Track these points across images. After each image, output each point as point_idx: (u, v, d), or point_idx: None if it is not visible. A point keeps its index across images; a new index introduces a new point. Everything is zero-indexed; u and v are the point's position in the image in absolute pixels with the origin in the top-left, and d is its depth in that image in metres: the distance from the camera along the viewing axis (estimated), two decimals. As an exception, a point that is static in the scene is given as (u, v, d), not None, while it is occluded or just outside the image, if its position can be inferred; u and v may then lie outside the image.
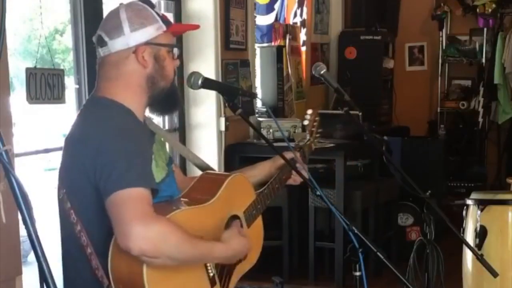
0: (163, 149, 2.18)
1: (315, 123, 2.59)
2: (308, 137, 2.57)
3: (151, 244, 1.77)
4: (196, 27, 2.30)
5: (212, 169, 2.37)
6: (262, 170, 2.44)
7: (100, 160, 1.87)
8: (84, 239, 1.94)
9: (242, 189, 2.26)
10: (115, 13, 2.04)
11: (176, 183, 2.19)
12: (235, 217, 2.20)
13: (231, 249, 2.03)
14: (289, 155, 2.33)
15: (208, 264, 2.06)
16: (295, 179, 2.43)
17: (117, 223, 1.80)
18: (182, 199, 2.12)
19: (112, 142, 1.90)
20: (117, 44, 2.00)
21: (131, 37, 2.00)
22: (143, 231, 1.76)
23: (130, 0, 2.09)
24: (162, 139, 2.23)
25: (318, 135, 2.61)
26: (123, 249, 1.79)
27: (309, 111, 2.58)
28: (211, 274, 2.07)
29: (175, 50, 2.11)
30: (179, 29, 2.24)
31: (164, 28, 2.03)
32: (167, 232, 1.81)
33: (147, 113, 2.15)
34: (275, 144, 2.26)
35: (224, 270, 2.15)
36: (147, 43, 2.01)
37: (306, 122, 2.58)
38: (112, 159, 1.87)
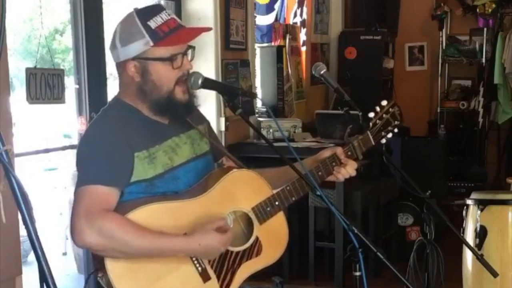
0: (193, 142, 2.22)
1: (384, 115, 2.37)
2: (370, 129, 2.37)
3: (92, 238, 1.92)
4: (199, 31, 2.15)
5: (242, 166, 2.29)
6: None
7: (76, 162, 2.09)
8: None
9: (249, 185, 2.20)
10: (116, 25, 2.11)
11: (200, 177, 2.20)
12: (242, 213, 2.19)
13: (195, 243, 2.02)
14: (330, 151, 2.33)
15: (193, 258, 2.08)
16: (337, 176, 2.32)
17: (70, 217, 1.97)
18: (177, 194, 2.13)
19: (84, 145, 2.11)
20: (113, 56, 2.14)
21: (121, 52, 2.09)
22: (85, 226, 1.92)
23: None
24: (200, 134, 2.27)
25: (391, 128, 2.38)
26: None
27: (384, 102, 2.38)
28: (200, 268, 2.08)
29: (176, 58, 2.08)
30: (170, 43, 2.06)
31: (151, 43, 2.04)
32: (109, 228, 1.93)
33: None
34: (275, 144, 2.25)
35: (224, 265, 2.14)
36: (134, 58, 2.07)
37: (371, 115, 2.37)
38: (80, 161, 2.08)
